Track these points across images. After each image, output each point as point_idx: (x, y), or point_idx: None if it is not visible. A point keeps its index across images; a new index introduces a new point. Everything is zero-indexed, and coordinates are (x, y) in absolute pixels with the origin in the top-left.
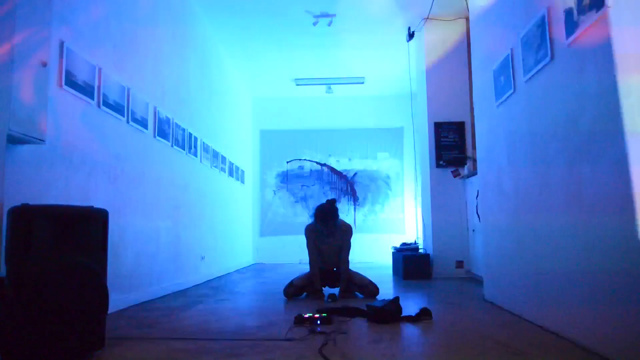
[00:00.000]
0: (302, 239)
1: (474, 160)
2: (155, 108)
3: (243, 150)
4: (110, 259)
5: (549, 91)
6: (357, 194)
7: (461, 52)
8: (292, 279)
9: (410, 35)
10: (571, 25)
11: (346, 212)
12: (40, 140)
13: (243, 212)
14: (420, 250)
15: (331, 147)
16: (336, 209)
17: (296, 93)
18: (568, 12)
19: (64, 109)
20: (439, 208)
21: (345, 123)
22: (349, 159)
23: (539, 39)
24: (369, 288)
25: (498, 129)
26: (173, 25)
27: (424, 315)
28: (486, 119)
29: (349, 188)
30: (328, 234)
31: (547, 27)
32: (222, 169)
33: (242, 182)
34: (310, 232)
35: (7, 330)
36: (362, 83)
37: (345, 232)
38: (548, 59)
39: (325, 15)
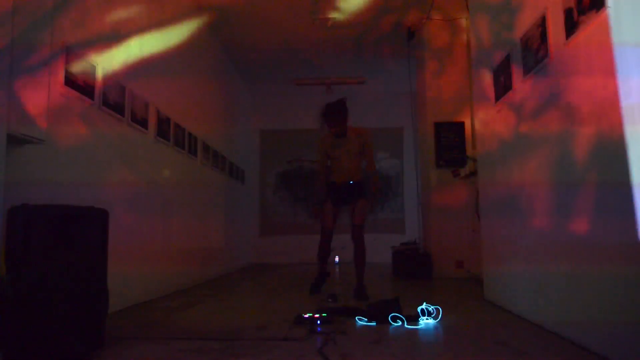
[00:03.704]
0: (302, 239)
1: (474, 160)
2: (155, 108)
3: (243, 150)
4: (110, 259)
5: (549, 91)
6: None
7: (461, 52)
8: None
9: (410, 35)
10: (571, 25)
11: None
12: (40, 140)
13: (243, 212)
14: (420, 251)
15: None
16: (346, 106)
17: (296, 93)
18: (568, 12)
19: (64, 108)
20: (439, 208)
21: None
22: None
23: (539, 39)
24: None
25: (498, 129)
26: (173, 25)
27: (423, 315)
28: (486, 119)
29: None
30: (339, 135)
31: (546, 27)
32: (222, 169)
33: (242, 182)
34: (321, 142)
35: (7, 330)
36: (362, 83)
37: (363, 134)
38: (548, 59)
39: (325, 15)
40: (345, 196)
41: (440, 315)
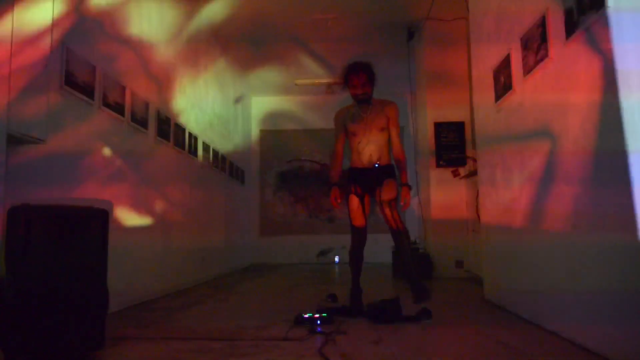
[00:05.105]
0: (302, 238)
1: (474, 160)
2: (155, 108)
3: (243, 150)
4: (110, 259)
5: (549, 91)
6: None
7: (461, 52)
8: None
9: (410, 35)
10: (571, 25)
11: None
12: (40, 140)
13: (243, 212)
14: (420, 250)
15: (331, 147)
16: (373, 69)
17: (296, 93)
18: (568, 12)
19: (64, 109)
20: (439, 208)
21: None
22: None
23: (539, 39)
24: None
25: (498, 129)
26: (173, 25)
27: (423, 315)
28: (486, 119)
29: None
30: (363, 101)
31: (547, 27)
32: (222, 169)
33: (242, 182)
34: (339, 113)
35: (7, 330)
36: None
37: (388, 107)
38: (548, 59)
39: (325, 15)
40: (370, 183)
41: (439, 316)
